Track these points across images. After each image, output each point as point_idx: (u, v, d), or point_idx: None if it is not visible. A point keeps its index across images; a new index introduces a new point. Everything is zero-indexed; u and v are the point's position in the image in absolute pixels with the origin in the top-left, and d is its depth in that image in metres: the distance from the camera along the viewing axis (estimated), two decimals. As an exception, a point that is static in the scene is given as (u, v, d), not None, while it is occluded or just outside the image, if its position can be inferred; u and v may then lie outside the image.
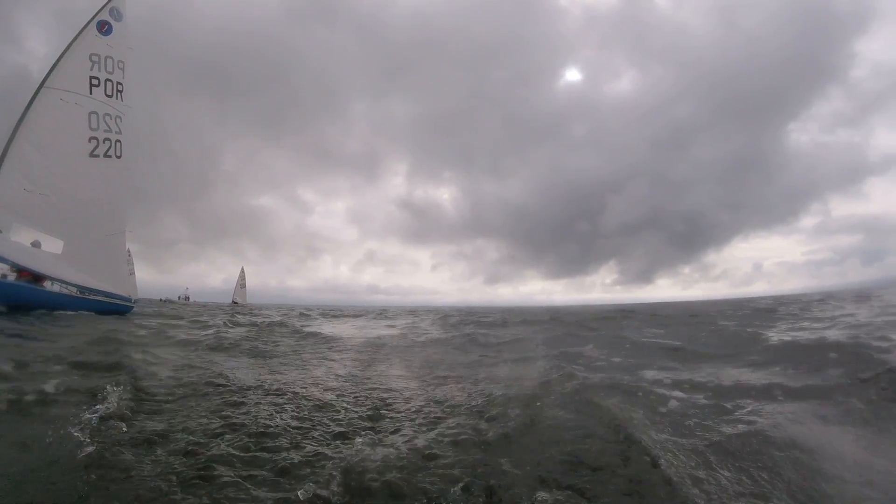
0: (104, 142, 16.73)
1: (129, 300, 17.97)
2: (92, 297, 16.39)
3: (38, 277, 15.14)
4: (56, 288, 15.69)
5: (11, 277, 14.68)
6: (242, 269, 65.77)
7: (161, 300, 50.10)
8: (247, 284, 65.95)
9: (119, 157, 17.20)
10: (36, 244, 15.18)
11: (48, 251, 15.42)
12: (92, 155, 16.38)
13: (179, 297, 56.57)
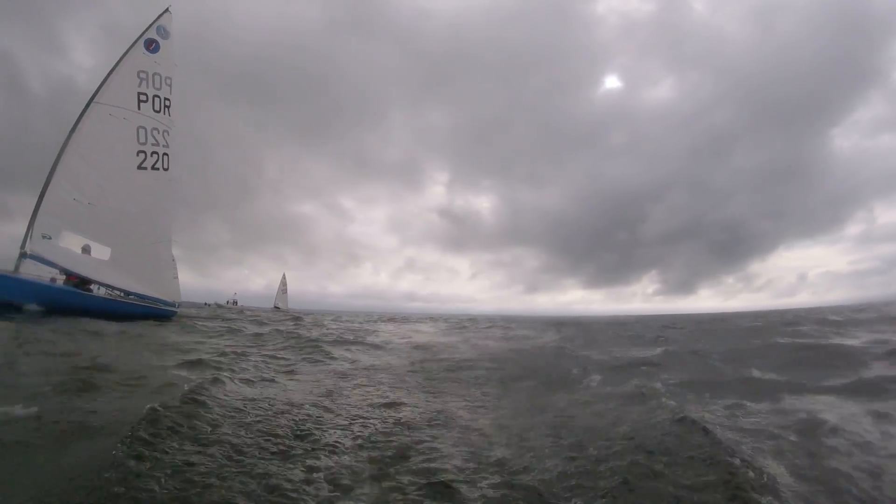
0: (152, 155, 17.36)
1: (172, 305, 18.61)
2: (137, 301, 16.98)
3: (84, 282, 15.82)
4: (102, 292, 16.35)
5: (60, 281, 15.39)
6: (284, 275, 67.56)
7: (206, 304, 51.53)
8: (288, 290, 67.60)
9: (166, 170, 17.87)
10: (86, 249, 15.85)
11: (96, 257, 16.09)
12: (140, 167, 17.04)
13: (228, 302, 58.43)
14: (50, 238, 14.90)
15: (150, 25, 18.21)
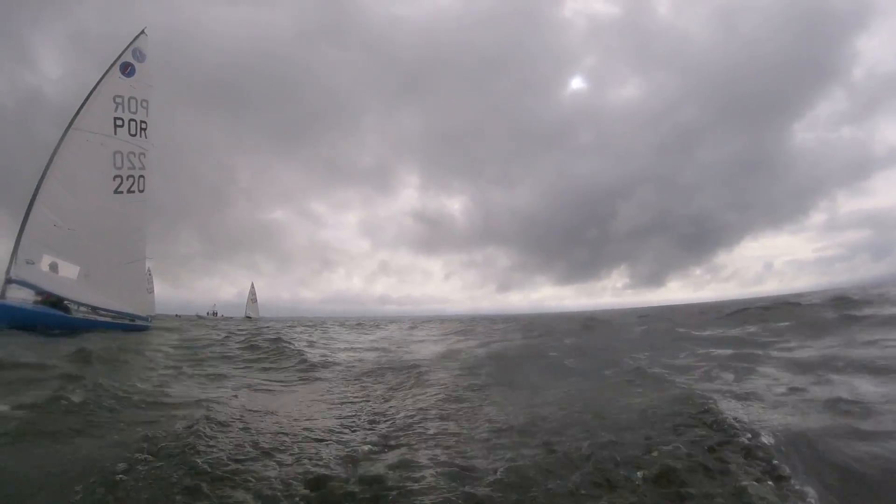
0: (127, 178, 17.67)
1: (146, 319, 18.96)
2: (112, 319, 17.32)
3: (59, 301, 16.07)
4: (79, 312, 16.69)
5: (32, 302, 15.67)
6: (252, 284, 67.16)
7: (176, 316, 51.15)
8: (258, 298, 67.10)
9: (142, 191, 18.12)
10: (54, 267, 16.03)
11: (71, 277, 16.42)
12: (116, 192, 17.40)
13: (208, 313, 59.37)
14: (33, 263, 15.36)
15: (126, 48, 18.44)
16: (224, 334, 16.41)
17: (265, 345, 11.63)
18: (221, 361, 8.99)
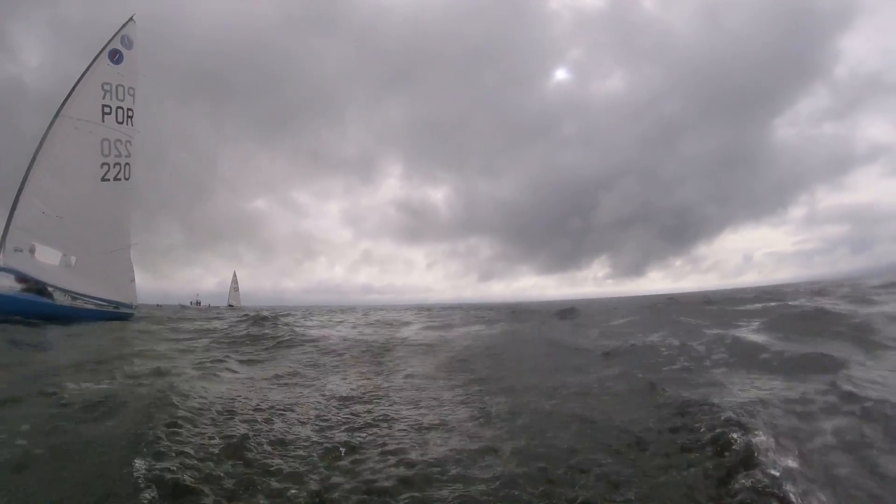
0: (114, 166, 17.66)
1: (130, 307, 18.89)
2: (96, 306, 17.40)
3: (42, 288, 16.06)
4: (63, 299, 16.67)
5: (17, 288, 15.57)
6: (234, 273, 68.25)
7: (158, 306, 50.69)
8: (240, 288, 67.25)
9: (127, 179, 18.12)
10: (32, 249, 15.88)
11: (57, 265, 16.47)
12: (103, 179, 17.37)
13: (191, 303, 59.56)
14: (21, 251, 15.37)
15: (115, 35, 18.33)
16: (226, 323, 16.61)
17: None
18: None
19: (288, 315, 22.28)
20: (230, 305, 61.62)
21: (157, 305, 50.80)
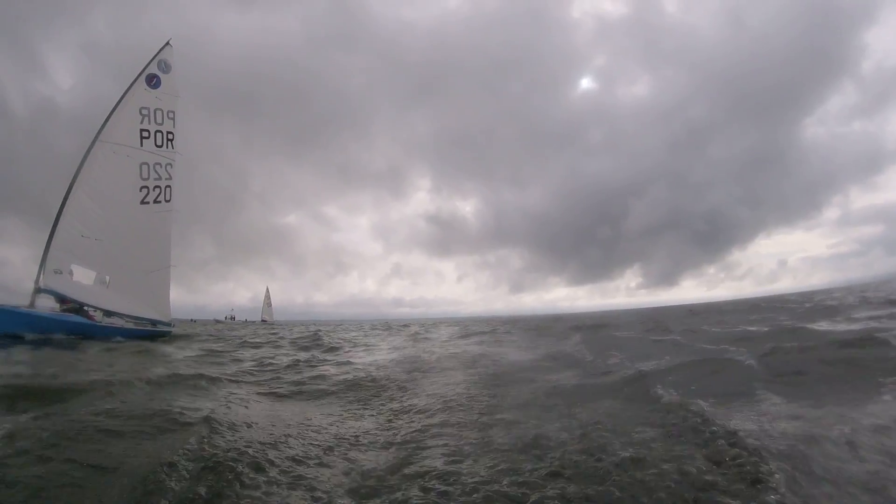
0: (154, 189, 17.81)
1: (168, 324, 19.02)
2: (135, 325, 17.53)
3: (81, 307, 16.20)
4: (104, 319, 16.76)
5: (57, 309, 15.73)
6: (267, 288, 69.18)
7: (192, 320, 51.60)
8: (273, 303, 67.97)
9: (168, 201, 18.24)
10: (70, 270, 16.03)
11: (97, 285, 16.64)
12: (143, 202, 17.56)
13: (226, 318, 60.89)
14: (61, 272, 15.66)
15: (152, 60, 18.62)
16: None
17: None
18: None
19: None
20: (263, 321, 62.27)
21: (192, 320, 51.79)
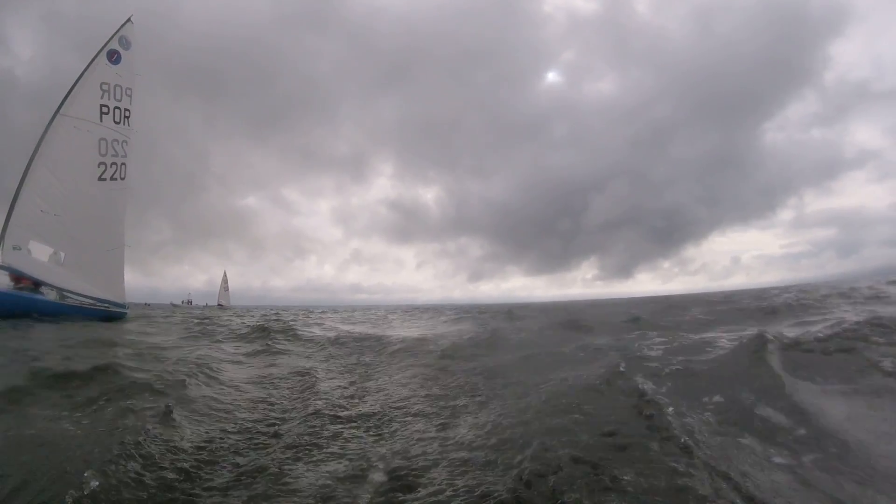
0: (111, 166, 17.84)
1: (123, 306, 18.93)
2: (91, 305, 17.45)
3: (36, 285, 16.18)
4: (54, 296, 16.66)
5: (11, 286, 15.64)
6: (225, 273, 67.51)
7: (146, 304, 50.37)
8: (230, 287, 66.82)
9: (123, 179, 18.24)
10: (16, 248, 15.89)
11: (54, 263, 16.61)
12: (100, 179, 17.53)
13: (182, 302, 59.40)
14: (20, 249, 15.55)
15: (113, 36, 18.53)
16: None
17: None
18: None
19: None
20: (220, 305, 61.33)
21: (146, 304, 50.51)
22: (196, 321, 17.21)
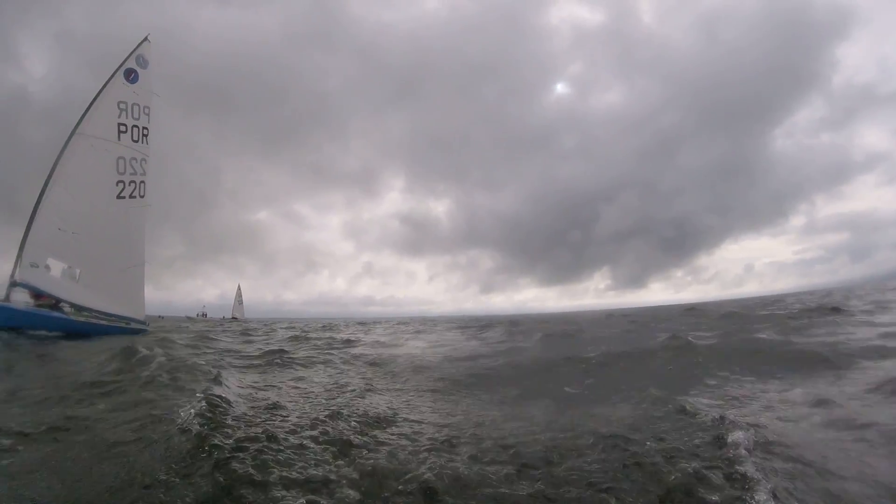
0: (129, 184, 17.88)
1: (143, 323, 18.97)
2: (108, 322, 17.39)
3: (57, 303, 16.22)
4: (80, 315, 16.74)
5: (31, 304, 15.78)
6: (239, 286, 67.84)
7: (160, 317, 50.71)
8: (243, 300, 67.17)
9: (142, 197, 18.28)
10: (34, 265, 15.87)
11: (72, 280, 16.66)
12: (119, 197, 17.60)
13: (197, 315, 60.04)
14: (38, 266, 15.61)
15: (130, 55, 18.66)
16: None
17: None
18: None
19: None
20: (233, 318, 61.57)
21: (159, 317, 50.81)
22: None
